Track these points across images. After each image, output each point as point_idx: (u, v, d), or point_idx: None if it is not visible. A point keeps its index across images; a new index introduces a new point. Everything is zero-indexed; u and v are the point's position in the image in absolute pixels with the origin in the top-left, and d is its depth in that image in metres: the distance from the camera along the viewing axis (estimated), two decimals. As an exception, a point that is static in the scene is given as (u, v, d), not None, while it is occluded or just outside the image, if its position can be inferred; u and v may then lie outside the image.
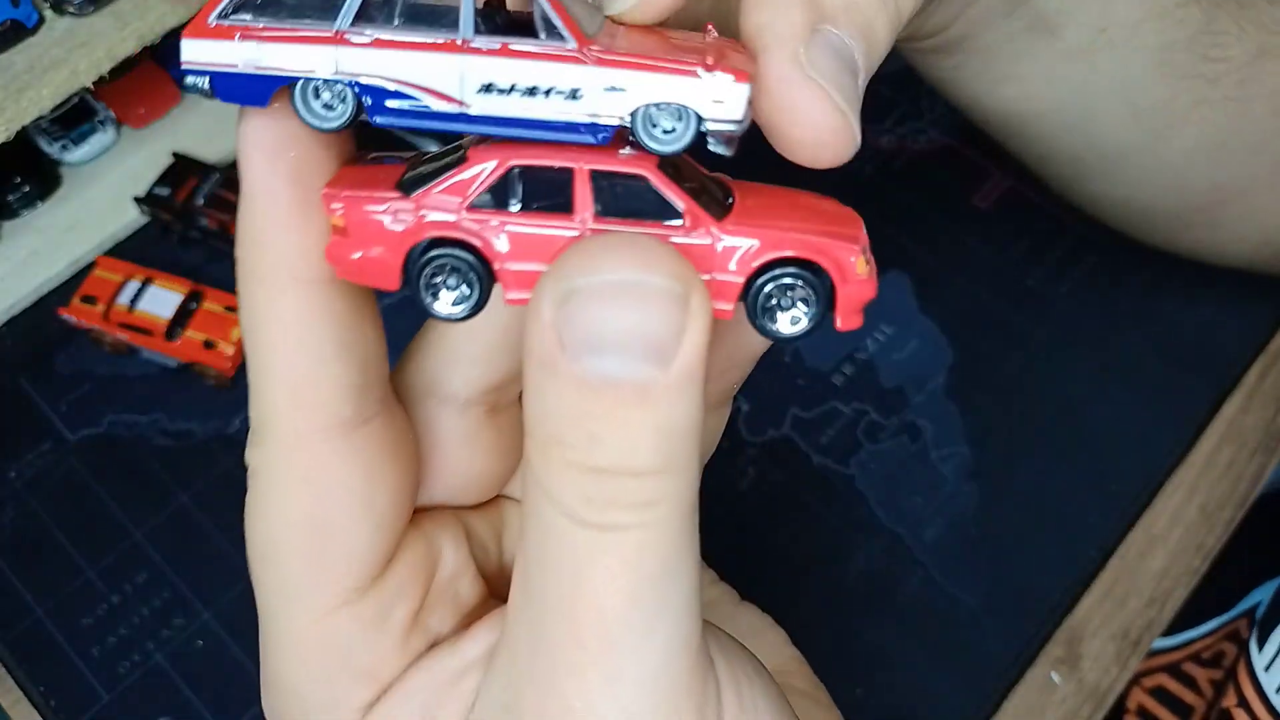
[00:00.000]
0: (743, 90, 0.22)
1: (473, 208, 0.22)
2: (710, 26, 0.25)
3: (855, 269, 0.23)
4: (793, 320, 0.23)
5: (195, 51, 0.22)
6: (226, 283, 0.58)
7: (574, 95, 0.21)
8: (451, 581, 0.28)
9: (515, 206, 0.22)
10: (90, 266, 0.59)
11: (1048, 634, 0.51)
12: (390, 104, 0.22)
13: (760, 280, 0.22)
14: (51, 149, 0.64)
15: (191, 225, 0.60)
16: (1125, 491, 0.54)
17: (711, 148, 0.22)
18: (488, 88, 0.21)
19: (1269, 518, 0.54)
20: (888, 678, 0.49)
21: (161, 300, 0.57)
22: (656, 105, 0.21)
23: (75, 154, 0.64)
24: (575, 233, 0.22)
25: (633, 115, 0.22)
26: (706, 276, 0.22)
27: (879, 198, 0.63)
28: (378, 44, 0.21)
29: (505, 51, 0.21)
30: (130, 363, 0.58)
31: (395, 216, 0.22)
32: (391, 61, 0.21)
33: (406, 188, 0.23)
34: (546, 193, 0.22)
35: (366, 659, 0.26)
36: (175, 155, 0.63)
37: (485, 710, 0.25)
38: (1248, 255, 0.54)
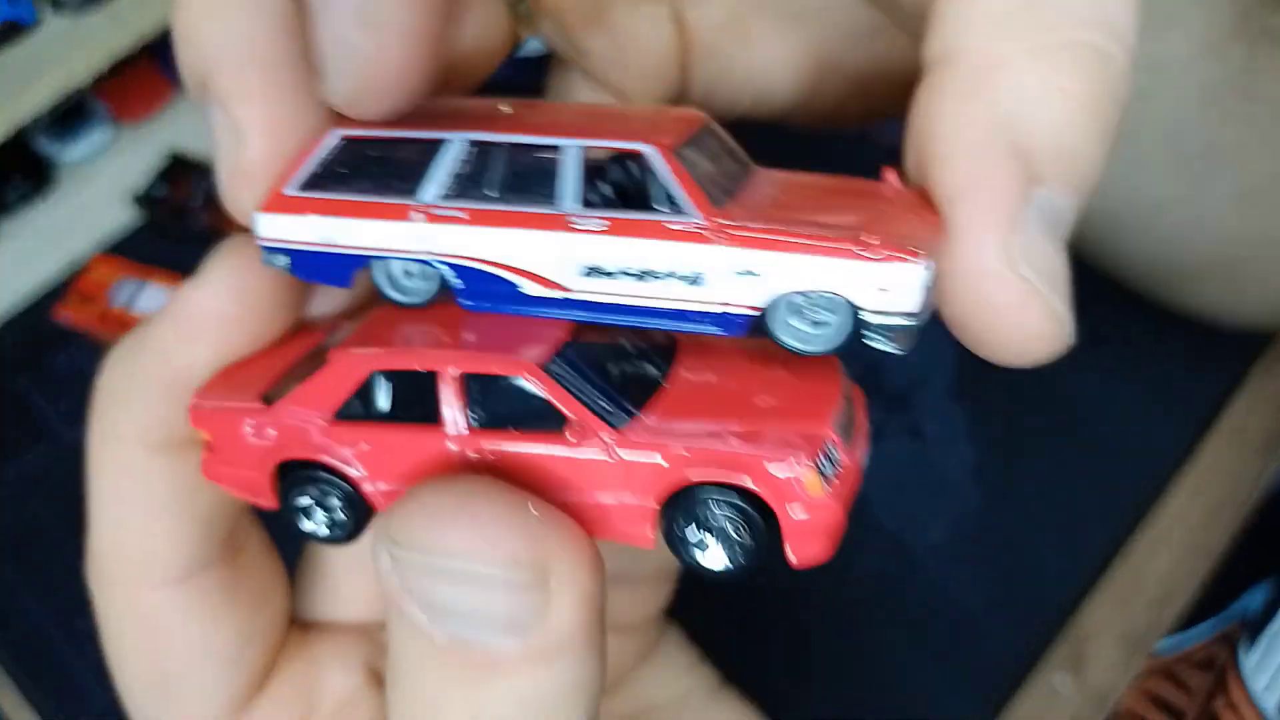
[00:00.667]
0: (919, 277, 0.17)
1: (339, 419, 0.19)
2: (889, 173, 0.20)
3: (804, 488, 0.17)
4: (729, 555, 0.18)
5: (270, 227, 0.19)
6: (225, 282, 0.58)
7: (696, 280, 0.17)
8: (339, 711, 0.27)
9: (380, 418, 0.19)
10: (87, 265, 0.59)
11: (1052, 636, 0.51)
12: (479, 286, 0.18)
13: (675, 509, 0.18)
14: (48, 148, 0.63)
15: (188, 224, 0.60)
16: (1129, 493, 0.54)
17: (874, 345, 0.18)
18: (592, 270, 0.18)
19: (1267, 520, 0.54)
20: (891, 681, 0.49)
21: (158, 299, 0.57)
22: (802, 294, 0.17)
23: (72, 153, 0.64)
24: (451, 447, 0.18)
25: (770, 304, 0.17)
26: (611, 499, 0.18)
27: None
28: (468, 218, 0.18)
29: (616, 229, 0.18)
30: (128, 363, 0.58)
31: (256, 432, 0.19)
32: (481, 240, 0.18)
33: (271, 397, 0.20)
34: (413, 401, 0.18)
35: None
36: (172, 154, 0.62)
37: None
38: (1260, 315, 0.53)
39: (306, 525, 0.20)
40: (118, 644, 0.25)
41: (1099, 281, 0.59)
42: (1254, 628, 0.48)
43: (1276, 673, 0.46)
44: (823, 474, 0.17)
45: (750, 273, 0.17)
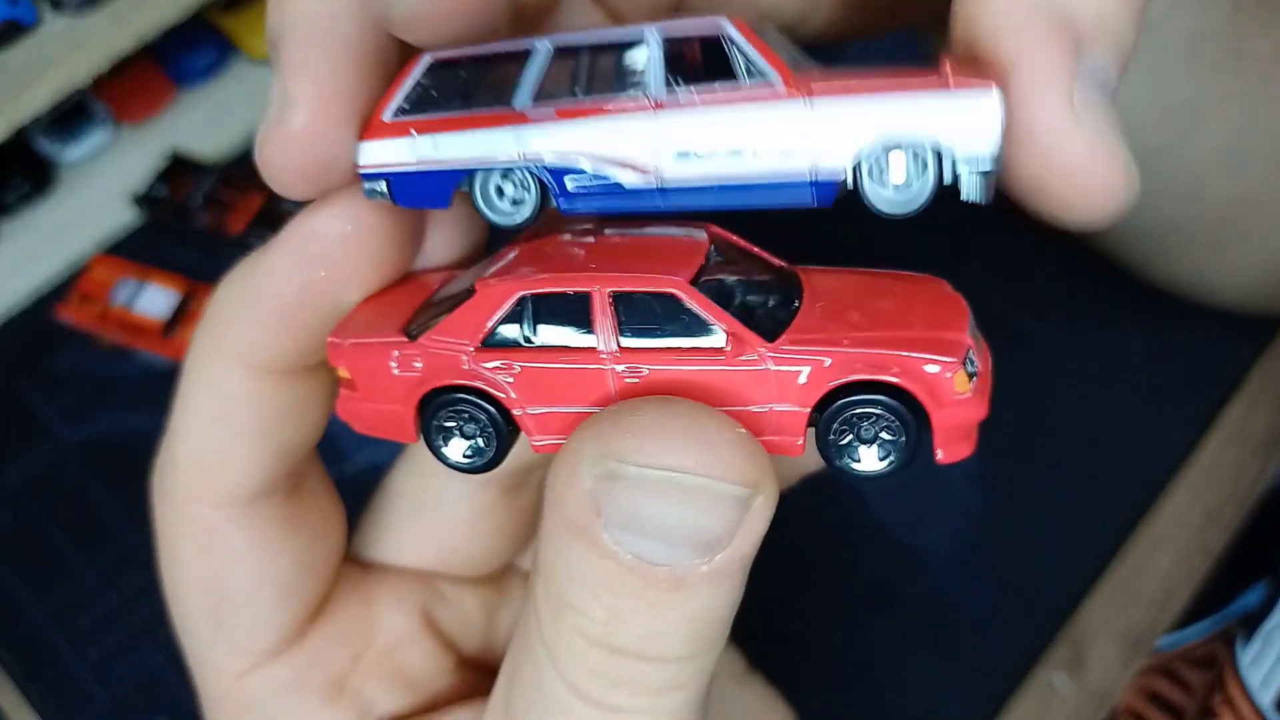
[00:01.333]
0: (992, 107, 0.18)
1: (485, 347, 0.19)
2: (946, 58, 0.20)
3: (952, 385, 0.18)
4: (881, 456, 0.18)
5: (371, 154, 0.19)
6: (225, 282, 0.58)
7: (784, 149, 0.18)
8: (392, 652, 0.27)
9: (531, 341, 0.19)
10: (87, 265, 0.59)
11: (1051, 636, 0.51)
12: (576, 185, 0.19)
13: (830, 411, 0.18)
14: (48, 148, 0.63)
15: (188, 224, 0.60)
16: (1129, 494, 0.54)
17: (966, 196, 0.18)
18: (684, 154, 0.18)
19: (1261, 522, 0.54)
20: (892, 681, 0.49)
21: (158, 300, 0.57)
22: (889, 146, 0.18)
23: (72, 153, 0.64)
24: (604, 367, 0.18)
25: (856, 165, 0.18)
26: (762, 409, 0.18)
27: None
28: (560, 115, 0.18)
29: (705, 101, 0.18)
30: (127, 363, 0.58)
31: (402, 364, 0.19)
32: (576, 134, 0.18)
33: (413, 331, 0.20)
34: (564, 324, 0.19)
35: None
36: (172, 154, 0.62)
37: None
38: (1248, 287, 0.53)
39: (450, 455, 0.20)
40: (175, 563, 0.25)
41: (1103, 282, 0.59)
42: (1251, 624, 0.48)
43: (1273, 668, 0.46)
44: (969, 373, 0.18)
45: (836, 125, 0.18)
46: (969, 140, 0.17)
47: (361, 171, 0.19)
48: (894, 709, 0.49)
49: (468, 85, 0.19)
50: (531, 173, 0.19)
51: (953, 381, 0.18)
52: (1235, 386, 0.57)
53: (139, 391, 0.57)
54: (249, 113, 0.66)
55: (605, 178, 0.19)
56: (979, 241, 0.62)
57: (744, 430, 0.18)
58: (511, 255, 0.20)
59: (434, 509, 0.28)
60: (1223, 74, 0.42)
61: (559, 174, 0.19)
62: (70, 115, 0.63)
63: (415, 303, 0.21)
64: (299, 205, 0.24)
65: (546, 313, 0.19)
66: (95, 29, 0.54)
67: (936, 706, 0.49)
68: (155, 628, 0.51)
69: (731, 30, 0.18)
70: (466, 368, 0.19)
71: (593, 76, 0.19)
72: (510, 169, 0.19)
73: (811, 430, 0.19)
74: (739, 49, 0.18)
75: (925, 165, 0.18)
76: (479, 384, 0.19)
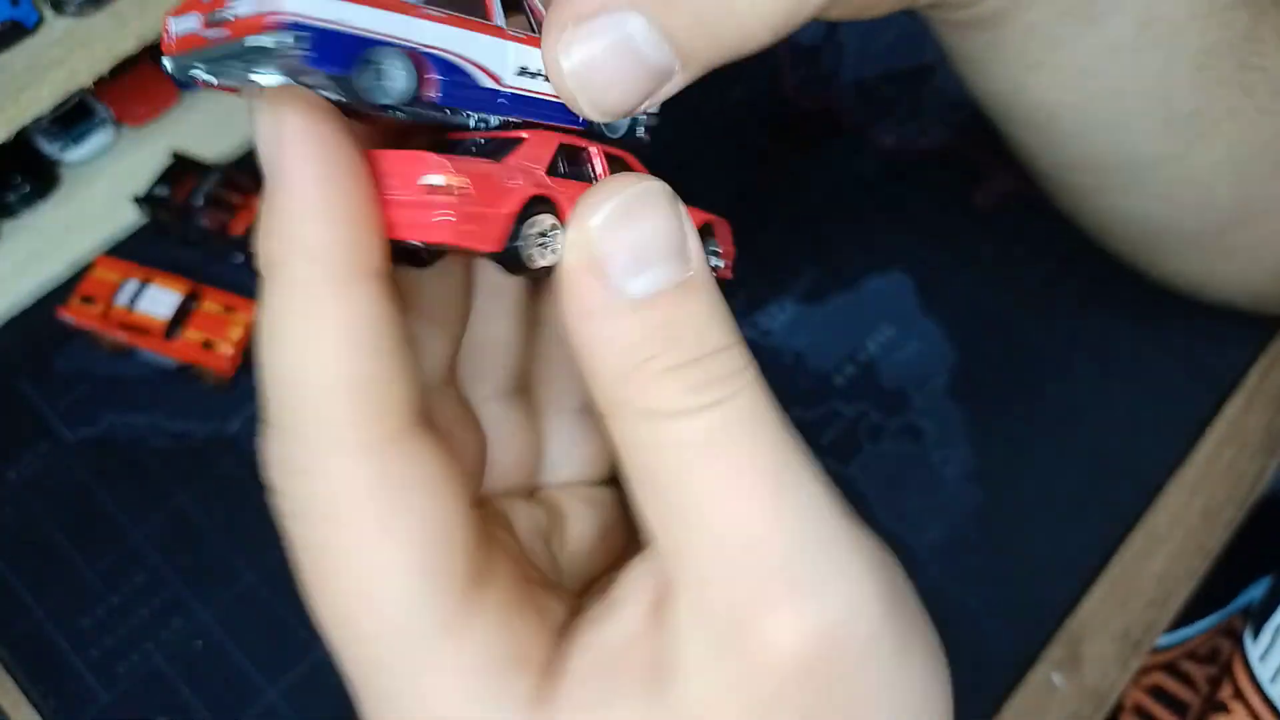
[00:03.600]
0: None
1: (548, 174, 0.25)
2: None
3: None
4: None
5: (294, 4, 0.21)
6: (225, 282, 0.58)
7: None
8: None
9: (563, 174, 0.25)
10: (89, 266, 0.59)
11: (1048, 635, 0.51)
12: (450, 75, 0.23)
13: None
14: (51, 149, 0.64)
15: (191, 225, 0.60)
16: (1126, 492, 0.54)
17: (639, 134, 0.27)
18: (523, 70, 0.24)
19: (1267, 517, 0.54)
20: (889, 679, 0.49)
21: (160, 300, 0.57)
22: None
23: (74, 154, 0.64)
24: None
25: None
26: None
27: (881, 197, 0.63)
28: (446, 20, 0.23)
29: (530, 40, 0.24)
30: (129, 363, 0.58)
31: (510, 177, 0.24)
32: (456, 37, 0.23)
33: (494, 155, 0.25)
34: (578, 166, 0.25)
35: (512, 644, 0.24)
36: (174, 155, 0.63)
37: (696, 664, 0.23)
38: (1254, 288, 0.53)
39: (543, 258, 0.24)
40: (350, 515, 0.22)
41: (1102, 281, 0.59)
42: (1259, 618, 0.48)
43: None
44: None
45: None
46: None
47: (284, 18, 0.21)
48: (893, 708, 0.49)
49: None
50: (416, 55, 0.23)
51: None
52: (1234, 386, 0.57)
53: (141, 392, 0.57)
54: (252, 114, 0.66)
55: (469, 75, 0.23)
56: (979, 243, 0.62)
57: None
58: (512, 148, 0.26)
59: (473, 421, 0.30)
60: (1231, 89, 0.42)
61: (438, 62, 0.23)
62: (72, 116, 0.63)
63: (430, 151, 0.24)
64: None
65: (568, 159, 0.25)
66: (97, 30, 0.54)
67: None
68: (156, 628, 0.51)
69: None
70: (546, 184, 0.24)
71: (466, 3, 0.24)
72: (399, 51, 0.23)
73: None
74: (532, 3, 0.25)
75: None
76: (555, 197, 0.24)
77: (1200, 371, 0.57)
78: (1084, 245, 0.61)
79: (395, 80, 0.22)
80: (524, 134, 0.25)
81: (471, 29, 0.23)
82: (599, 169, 0.26)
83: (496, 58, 0.24)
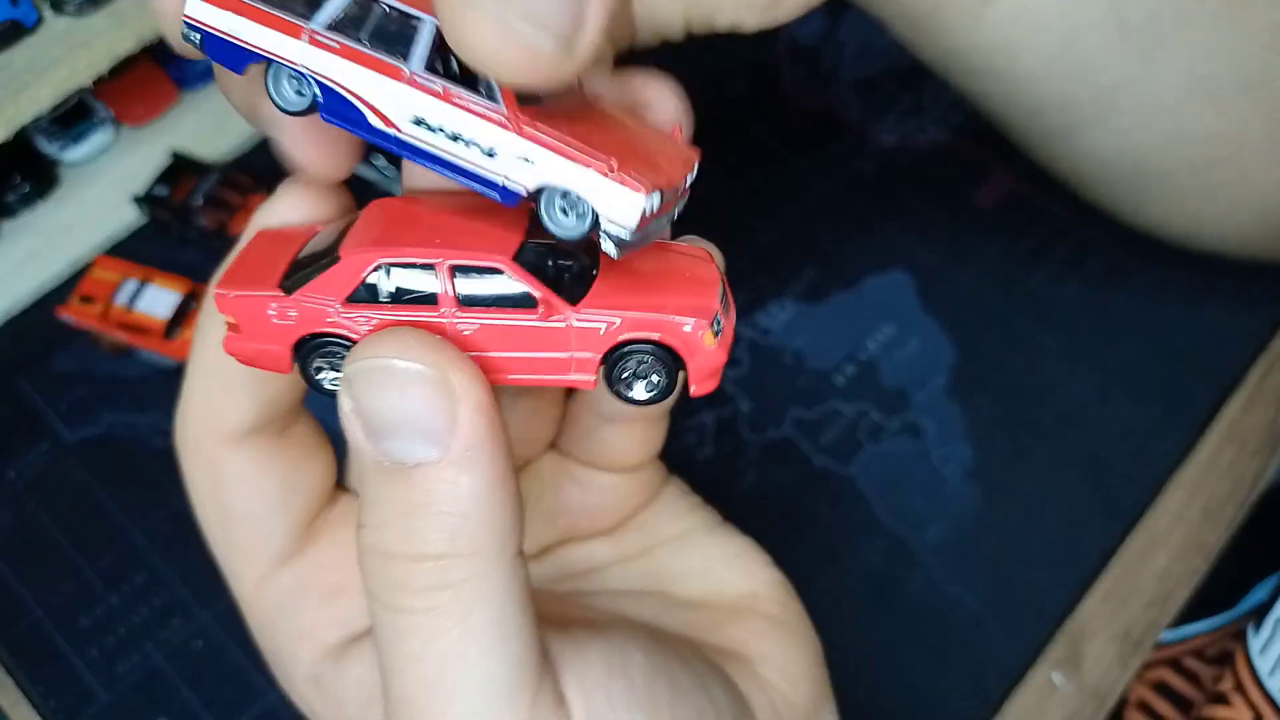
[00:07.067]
0: (636, 204, 0.22)
1: (350, 302, 0.24)
2: (678, 130, 0.26)
3: (702, 342, 0.24)
4: (647, 389, 0.25)
5: (196, 9, 0.23)
6: (225, 282, 0.58)
7: (491, 154, 0.23)
8: None
9: (388, 300, 0.24)
10: (88, 266, 0.59)
11: (1049, 635, 0.51)
12: (338, 107, 0.24)
13: (614, 357, 0.24)
14: (50, 148, 0.63)
15: (190, 224, 0.60)
16: (1127, 492, 0.54)
17: (602, 246, 0.23)
18: (419, 121, 0.23)
19: (1265, 521, 0.54)
20: (889, 679, 0.49)
21: (160, 300, 0.57)
22: (560, 191, 0.23)
23: (74, 153, 0.64)
24: (442, 320, 0.24)
25: (539, 190, 0.23)
26: (565, 355, 0.24)
27: (881, 196, 0.63)
28: (339, 50, 0.23)
29: (444, 96, 0.23)
30: (128, 363, 0.58)
31: (280, 314, 0.24)
32: (347, 71, 0.23)
33: (288, 286, 0.25)
34: (413, 287, 0.24)
35: (295, 623, 0.30)
36: (174, 155, 0.63)
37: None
38: (1243, 233, 0.52)
39: (325, 385, 0.25)
40: (193, 493, 0.29)
41: (1102, 281, 0.59)
42: (1261, 611, 0.48)
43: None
44: (715, 331, 0.24)
45: (529, 160, 0.23)
46: (614, 216, 0.23)
47: (185, 20, 0.23)
48: (891, 706, 0.49)
49: None
50: (307, 80, 0.23)
51: (703, 339, 0.24)
52: (1234, 386, 0.57)
53: (141, 392, 0.57)
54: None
55: (359, 112, 0.23)
56: (979, 243, 0.62)
57: (437, 336, 0.23)
58: (370, 219, 0.25)
59: None
60: None
61: (327, 91, 0.23)
62: (72, 116, 0.63)
63: (287, 257, 0.25)
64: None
65: (399, 278, 0.24)
66: (96, 30, 0.54)
67: (934, 703, 0.49)
68: (156, 628, 0.51)
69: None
70: (334, 319, 0.24)
71: (377, 30, 0.23)
72: (291, 71, 0.23)
73: (603, 369, 0.25)
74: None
75: (584, 215, 0.23)
76: (343, 331, 0.24)
77: (1200, 371, 0.57)
78: (1084, 245, 0.61)
79: (286, 93, 0.24)
80: (339, 253, 0.24)
81: (369, 67, 0.23)
82: (445, 292, 0.23)
83: (391, 101, 0.23)
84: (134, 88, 0.65)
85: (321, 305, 0.24)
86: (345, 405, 0.23)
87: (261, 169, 0.63)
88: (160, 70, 0.66)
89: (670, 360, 0.24)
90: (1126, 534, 0.53)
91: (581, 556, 0.35)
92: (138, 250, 0.61)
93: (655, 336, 0.24)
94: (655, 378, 0.24)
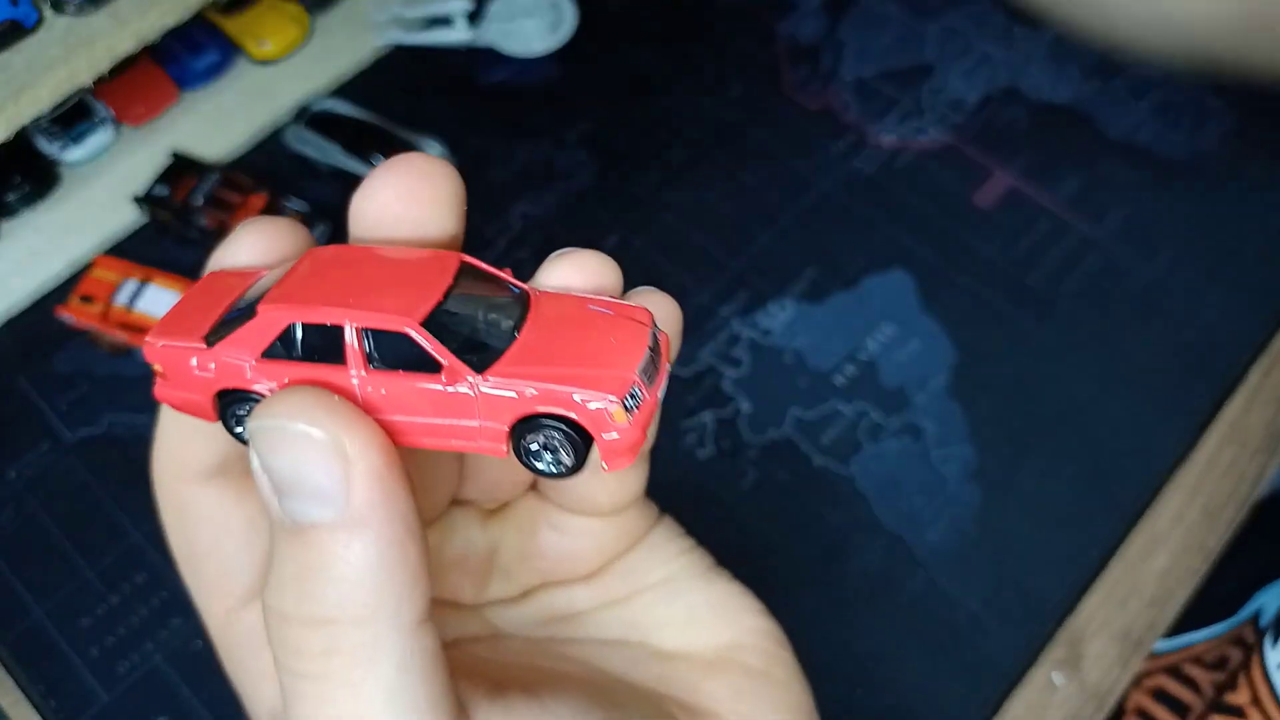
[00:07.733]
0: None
1: (265, 358, 0.24)
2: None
3: (613, 419, 0.23)
4: (555, 464, 0.24)
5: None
6: (226, 282, 0.58)
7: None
8: None
9: (300, 356, 0.24)
10: (88, 266, 0.59)
11: (1049, 635, 0.51)
12: None
13: (521, 428, 0.23)
14: (50, 148, 0.63)
15: (190, 224, 0.60)
16: (1127, 492, 0.54)
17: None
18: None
19: (1272, 521, 0.54)
20: (889, 679, 0.49)
21: (160, 299, 0.57)
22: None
23: (74, 153, 0.64)
24: (352, 383, 0.23)
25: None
26: (474, 423, 0.24)
27: (881, 196, 0.63)
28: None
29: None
30: (128, 362, 0.58)
31: (200, 366, 0.25)
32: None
33: (211, 339, 0.25)
34: (324, 346, 0.23)
35: (258, 663, 0.29)
36: (174, 155, 0.63)
37: None
38: (1190, 37, 0.45)
39: (244, 437, 0.25)
40: (165, 528, 0.29)
41: (1101, 280, 0.59)
42: (1278, 624, 0.48)
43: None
44: (627, 407, 0.23)
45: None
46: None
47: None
48: (889, 706, 0.49)
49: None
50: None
51: (613, 415, 0.23)
52: (1234, 385, 0.57)
53: (140, 391, 0.57)
54: (251, 114, 0.66)
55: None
56: (979, 243, 0.62)
57: (336, 398, 0.22)
58: (300, 270, 0.25)
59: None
60: None
61: None
62: (72, 116, 0.63)
63: (223, 306, 0.25)
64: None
65: (310, 336, 0.23)
66: (97, 30, 0.54)
67: (933, 704, 0.49)
68: (156, 628, 0.51)
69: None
70: (248, 375, 0.24)
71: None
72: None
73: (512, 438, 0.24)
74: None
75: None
76: (255, 389, 0.24)
77: (1200, 371, 0.57)
78: (1084, 245, 0.61)
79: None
80: (258, 307, 0.24)
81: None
82: (353, 352, 0.23)
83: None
84: (134, 88, 0.65)
85: (237, 360, 0.24)
86: (253, 462, 0.22)
87: (261, 169, 0.63)
88: (160, 70, 0.66)
89: (579, 436, 0.23)
90: (1126, 534, 0.53)
91: (563, 601, 0.33)
92: (138, 250, 0.61)
93: (560, 412, 0.23)
94: (562, 453, 0.23)
